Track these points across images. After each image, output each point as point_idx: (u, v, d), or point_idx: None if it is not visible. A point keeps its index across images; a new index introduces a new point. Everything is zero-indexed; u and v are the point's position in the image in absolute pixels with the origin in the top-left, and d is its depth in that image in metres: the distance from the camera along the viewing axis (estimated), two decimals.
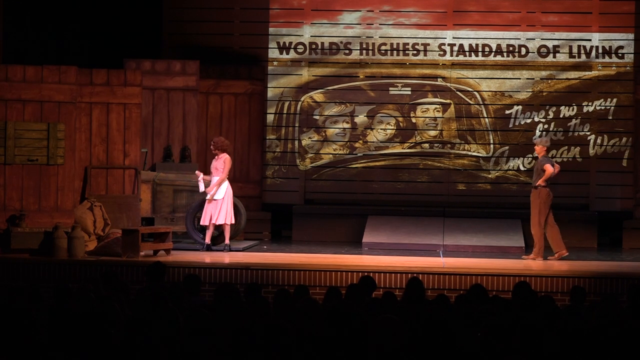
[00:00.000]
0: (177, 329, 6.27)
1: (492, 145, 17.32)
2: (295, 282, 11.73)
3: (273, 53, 17.63)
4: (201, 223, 14.12)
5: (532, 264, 13.50)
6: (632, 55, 17.20)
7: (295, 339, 6.07)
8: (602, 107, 17.21)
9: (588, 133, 17.23)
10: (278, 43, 17.63)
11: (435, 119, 17.45)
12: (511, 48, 17.38)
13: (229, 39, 17.71)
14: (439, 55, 17.47)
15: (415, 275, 11.17)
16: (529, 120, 17.30)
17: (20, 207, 13.63)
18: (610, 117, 17.21)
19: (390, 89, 17.54)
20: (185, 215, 14.60)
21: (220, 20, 17.67)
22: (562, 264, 13.25)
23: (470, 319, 6.96)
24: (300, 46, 17.61)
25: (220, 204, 13.90)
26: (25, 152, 13.84)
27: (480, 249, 14.88)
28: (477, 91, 17.39)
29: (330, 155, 17.54)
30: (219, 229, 14.23)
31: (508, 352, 6.10)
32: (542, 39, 17.34)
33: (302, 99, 17.60)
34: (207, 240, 14.02)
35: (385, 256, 14.06)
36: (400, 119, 17.50)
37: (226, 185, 14.00)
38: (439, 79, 17.47)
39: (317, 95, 17.62)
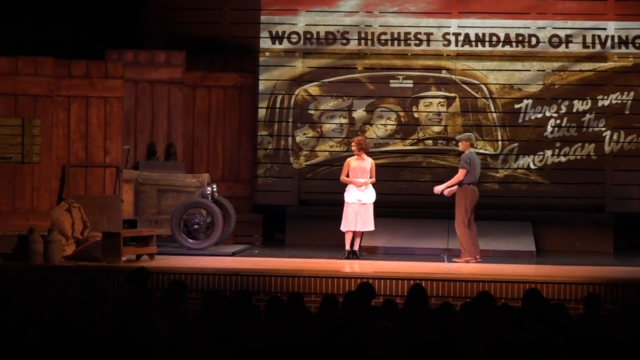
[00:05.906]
0: (160, 339, 6.25)
1: (500, 142, 17.32)
2: (289, 289, 11.72)
3: (265, 43, 17.62)
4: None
5: (543, 269, 13.50)
6: None
7: (289, 350, 6.06)
8: (619, 101, 17.21)
9: (603, 129, 17.23)
10: (270, 32, 17.62)
11: (439, 113, 17.45)
12: (520, 38, 17.38)
13: (217, 28, 17.69)
14: (443, 45, 17.47)
15: (417, 282, 11.17)
16: (539, 115, 17.30)
17: None
18: (627, 112, 17.21)
19: (391, 81, 17.54)
20: (171, 218, 14.59)
21: (208, 8, 17.67)
22: (576, 270, 13.24)
23: (477, 329, 6.95)
24: (294, 36, 17.60)
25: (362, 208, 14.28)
26: None
27: (488, 254, 14.87)
28: (484, 84, 17.39)
29: (327, 153, 17.54)
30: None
31: None
32: (553, 28, 17.33)
33: (296, 92, 17.59)
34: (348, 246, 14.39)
35: (386, 261, 14.13)
36: (402, 113, 17.49)
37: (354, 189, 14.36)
38: (443, 71, 17.47)
39: (312, 89, 17.61)
